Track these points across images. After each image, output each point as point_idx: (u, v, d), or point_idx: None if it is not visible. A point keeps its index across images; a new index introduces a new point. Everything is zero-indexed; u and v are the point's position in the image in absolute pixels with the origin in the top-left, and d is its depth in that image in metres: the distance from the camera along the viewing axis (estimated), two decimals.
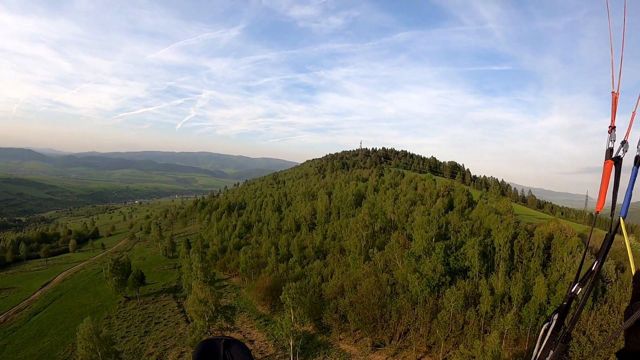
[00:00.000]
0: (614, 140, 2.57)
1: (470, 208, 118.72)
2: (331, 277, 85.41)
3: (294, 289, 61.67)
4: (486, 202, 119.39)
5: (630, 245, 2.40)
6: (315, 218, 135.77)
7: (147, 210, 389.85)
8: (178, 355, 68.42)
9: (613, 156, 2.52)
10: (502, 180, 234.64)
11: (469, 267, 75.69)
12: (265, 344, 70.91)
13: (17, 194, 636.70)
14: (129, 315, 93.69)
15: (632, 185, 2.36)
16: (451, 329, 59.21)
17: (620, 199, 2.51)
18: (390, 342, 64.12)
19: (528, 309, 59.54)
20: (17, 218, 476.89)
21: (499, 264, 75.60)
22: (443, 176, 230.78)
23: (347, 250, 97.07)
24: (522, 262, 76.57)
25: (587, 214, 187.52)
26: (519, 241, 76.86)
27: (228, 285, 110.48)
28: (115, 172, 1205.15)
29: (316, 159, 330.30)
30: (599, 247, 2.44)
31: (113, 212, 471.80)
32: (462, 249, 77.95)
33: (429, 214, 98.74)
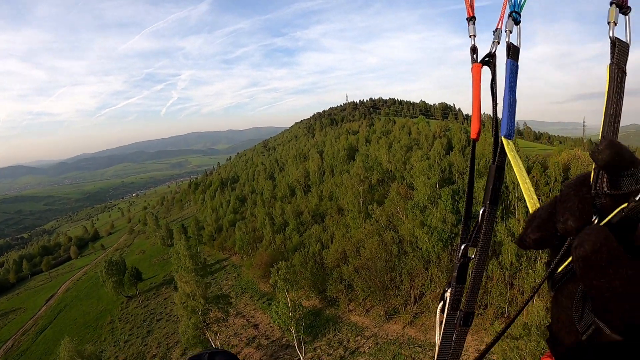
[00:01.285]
0: (475, 35, 1.83)
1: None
2: (331, 242, 77.88)
3: (284, 268, 53.33)
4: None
5: (521, 169, 1.30)
6: (309, 180, 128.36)
7: (145, 202, 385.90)
8: (181, 353, 64.05)
9: (479, 59, 1.76)
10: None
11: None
12: (271, 326, 65.08)
13: (15, 212, 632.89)
14: (131, 315, 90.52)
15: (510, 89, 1.53)
16: None
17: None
18: (405, 309, 57.32)
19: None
20: (18, 236, 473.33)
21: (515, 205, 66.45)
22: (435, 118, 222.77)
23: (345, 209, 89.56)
24: (540, 199, 68.71)
25: (585, 141, 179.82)
26: (534, 176, 67.66)
27: (228, 265, 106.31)
28: (109, 170, 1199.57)
29: (304, 119, 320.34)
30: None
31: (112, 209, 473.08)
32: None
33: (428, 158, 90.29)
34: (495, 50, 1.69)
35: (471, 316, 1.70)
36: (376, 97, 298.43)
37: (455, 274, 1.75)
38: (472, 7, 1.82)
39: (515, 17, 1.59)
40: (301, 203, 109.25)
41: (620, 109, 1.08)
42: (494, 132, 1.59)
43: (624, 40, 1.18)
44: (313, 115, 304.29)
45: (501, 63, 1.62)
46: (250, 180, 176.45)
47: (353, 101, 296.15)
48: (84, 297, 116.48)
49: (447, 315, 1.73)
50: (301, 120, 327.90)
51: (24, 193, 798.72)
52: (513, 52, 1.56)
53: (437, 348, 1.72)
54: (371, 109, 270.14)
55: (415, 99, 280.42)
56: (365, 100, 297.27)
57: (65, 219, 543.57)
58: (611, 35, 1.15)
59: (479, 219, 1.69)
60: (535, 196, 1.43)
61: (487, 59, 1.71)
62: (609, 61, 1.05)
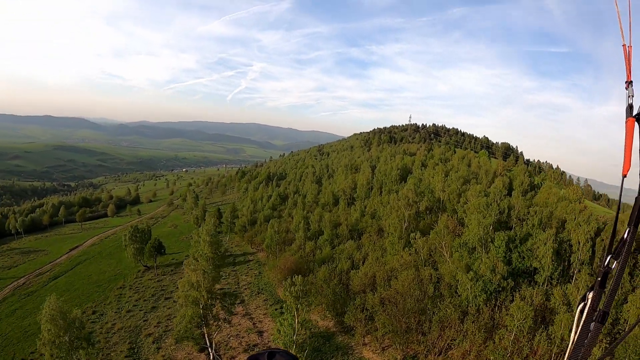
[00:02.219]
0: (632, 96, 2.40)
1: (533, 192, 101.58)
2: (363, 263, 71.55)
3: (299, 283, 45.79)
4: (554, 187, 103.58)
5: None
6: (355, 192, 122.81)
7: (192, 179, 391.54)
8: (174, 342, 58.96)
9: (634, 114, 2.31)
10: (557, 166, 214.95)
11: (536, 268, 59.03)
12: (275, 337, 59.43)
13: (68, 160, 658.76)
14: (143, 286, 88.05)
15: None
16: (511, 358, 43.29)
17: None
18: (425, 358, 49.66)
19: (625, 345, 39.54)
20: (66, 183, 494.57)
21: (576, 269, 58.65)
22: (495, 157, 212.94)
23: (385, 231, 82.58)
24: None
25: None
26: (603, 239, 59.61)
27: (253, 261, 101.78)
28: (166, 141, 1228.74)
29: (364, 132, 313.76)
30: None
31: (159, 179, 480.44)
32: (528, 242, 61.74)
33: (486, 195, 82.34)
34: None
35: (607, 315, 2.09)
36: (439, 124, 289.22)
37: (599, 279, 2.17)
38: (630, 72, 2.34)
39: None
40: (342, 214, 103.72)
41: None
42: None
43: None
44: (373, 130, 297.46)
45: None
46: (297, 181, 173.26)
47: (415, 123, 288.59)
48: (106, 255, 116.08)
49: (586, 314, 2.13)
50: (360, 132, 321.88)
51: (80, 145, 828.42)
52: None
53: (571, 343, 2.11)
54: (432, 134, 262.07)
55: (478, 134, 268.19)
56: (427, 125, 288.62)
57: (114, 177, 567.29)
58: None
59: (625, 236, 2.13)
60: None
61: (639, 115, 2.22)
62: None
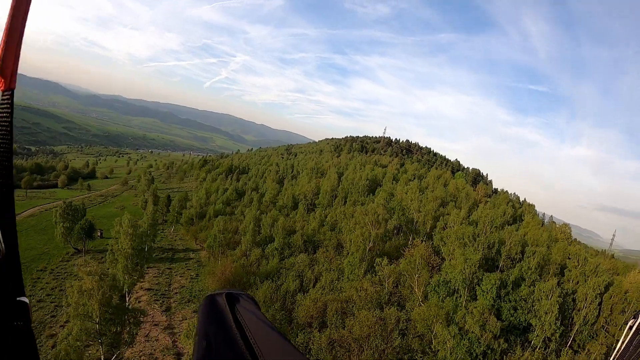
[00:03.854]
0: None
1: (517, 224, 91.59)
2: (314, 284, 60.66)
3: None
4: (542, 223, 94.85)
5: None
6: (317, 199, 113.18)
7: (155, 160, 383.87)
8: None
9: None
10: (525, 199, 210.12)
11: (531, 325, 48.10)
12: None
13: (33, 123, 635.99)
14: (65, 272, 76.54)
15: None
16: None
17: None
18: None
19: None
20: (27, 147, 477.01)
21: (579, 330, 48.64)
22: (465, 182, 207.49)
23: (345, 248, 72.24)
24: (607, 332, 48.91)
25: (610, 254, 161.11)
26: (612, 296, 49.61)
27: (193, 259, 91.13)
28: (136, 119, 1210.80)
29: (335, 138, 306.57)
30: None
31: (122, 156, 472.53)
32: (522, 290, 51.01)
33: (475, 225, 72.84)
34: None
35: None
36: (413, 141, 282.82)
37: None
38: None
39: None
40: (299, 220, 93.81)
41: None
42: None
43: None
44: (345, 137, 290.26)
45: None
46: (258, 178, 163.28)
47: (389, 137, 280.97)
48: (40, 230, 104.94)
49: (635, 329, 1.92)
50: (332, 138, 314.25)
51: (48, 109, 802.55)
52: None
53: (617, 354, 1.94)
54: (405, 150, 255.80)
55: (449, 157, 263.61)
56: (401, 140, 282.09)
57: (76, 148, 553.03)
58: None
59: None
60: None
61: None
62: None
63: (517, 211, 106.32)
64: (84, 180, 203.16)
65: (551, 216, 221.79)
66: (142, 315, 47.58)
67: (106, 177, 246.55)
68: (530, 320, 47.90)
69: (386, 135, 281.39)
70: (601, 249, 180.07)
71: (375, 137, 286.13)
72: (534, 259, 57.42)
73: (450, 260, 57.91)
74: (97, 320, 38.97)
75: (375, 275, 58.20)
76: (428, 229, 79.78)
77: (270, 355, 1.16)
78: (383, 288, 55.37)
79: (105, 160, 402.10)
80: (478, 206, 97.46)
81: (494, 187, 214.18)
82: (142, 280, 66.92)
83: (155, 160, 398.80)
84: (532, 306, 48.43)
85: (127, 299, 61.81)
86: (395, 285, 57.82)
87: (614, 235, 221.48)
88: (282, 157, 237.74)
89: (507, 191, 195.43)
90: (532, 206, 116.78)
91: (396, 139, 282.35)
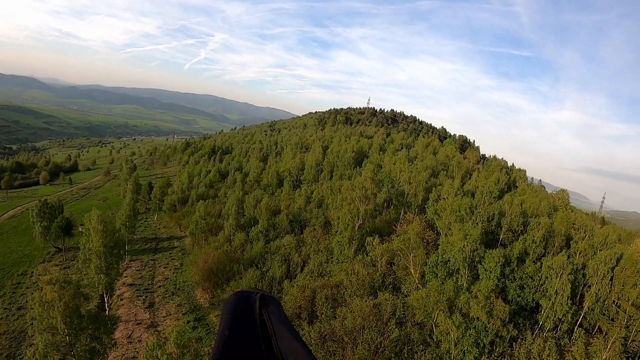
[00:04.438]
0: None
1: (512, 192, 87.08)
2: (302, 269, 56.62)
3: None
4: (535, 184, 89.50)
5: None
6: (302, 174, 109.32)
7: (138, 147, 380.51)
8: None
9: None
10: (513, 164, 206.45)
11: (540, 305, 43.68)
12: None
13: (12, 121, 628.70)
14: (47, 274, 71.34)
15: None
16: None
17: None
18: None
19: None
20: (7, 146, 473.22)
21: (590, 307, 44.05)
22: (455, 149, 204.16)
23: (333, 226, 68.52)
24: (618, 307, 43.93)
25: (600, 217, 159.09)
26: (623, 269, 44.11)
27: (178, 248, 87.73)
28: (118, 107, 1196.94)
29: (319, 111, 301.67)
30: None
31: (105, 146, 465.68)
32: (527, 267, 46.20)
33: (471, 195, 67.43)
34: None
35: None
36: (398, 111, 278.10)
37: None
38: None
39: None
40: (284, 199, 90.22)
41: None
42: None
43: None
44: (329, 110, 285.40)
45: None
46: (241, 157, 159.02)
47: (373, 107, 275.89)
48: (21, 231, 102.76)
49: None
50: (316, 112, 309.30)
51: (27, 105, 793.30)
52: None
53: None
54: (390, 119, 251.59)
55: (434, 125, 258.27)
56: (385, 110, 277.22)
57: (58, 142, 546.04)
58: None
59: None
60: None
61: None
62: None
63: (511, 178, 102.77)
64: (65, 175, 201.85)
65: (540, 180, 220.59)
66: (114, 323, 44.25)
67: (89, 169, 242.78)
68: (540, 301, 43.40)
69: (370, 106, 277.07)
70: (591, 212, 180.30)
71: (360, 108, 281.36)
72: (538, 230, 52.04)
73: (446, 235, 53.44)
74: (65, 332, 35.33)
75: (367, 255, 53.91)
76: (420, 201, 74.45)
77: None
78: (376, 270, 51.17)
79: (88, 152, 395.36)
80: (471, 175, 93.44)
81: (481, 153, 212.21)
82: (119, 278, 63.45)
83: (139, 147, 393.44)
84: (541, 284, 44.13)
85: (106, 299, 58.33)
86: (389, 264, 53.57)
87: (603, 198, 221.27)
88: (266, 134, 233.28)
89: (497, 157, 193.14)
90: (523, 171, 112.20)
91: (380, 109, 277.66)
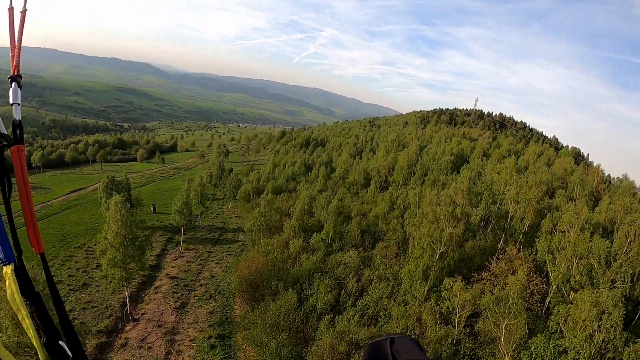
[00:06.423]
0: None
1: None
2: (356, 301, 42.94)
3: None
4: None
5: None
6: (392, 175, 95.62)
7: (241, 134, 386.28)
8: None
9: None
10: None
11: None
12: None
13: (126, 102, 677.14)
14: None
15: None
16: None
17: None
18: None
19: None
20: (120, 124, 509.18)
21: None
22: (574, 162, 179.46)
23: (410, 248, 50.53)
24: None
25: None
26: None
27: (239, 242, 79.93)
28: (227, 95, 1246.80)
29: (423, 110, 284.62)
30: None
31: (210, 130, 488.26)
32: None
33: (607, 233, 47.62)
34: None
35: None
36: (507, 115, 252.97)
37: None
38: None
39: None
40: (367, 201, 78.56)
41: None
42: None
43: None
44: (433, 110, 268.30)
45: None
46: (334, 150, 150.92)
47: (481, 110, 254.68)
48: (98, 203, 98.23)
49: None
50: (420, 110, 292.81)
51: (141, 88, 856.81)
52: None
53: None
54: (498, 124, 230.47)
55: (546, 133, 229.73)
56: (493, 114, 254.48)
57: (167, 124, 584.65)
58: None
59: None
60: None
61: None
62: None
63: None
64: (161, 154, 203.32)
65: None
66: None
67: (187, 150, 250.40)
68: None
69: (478, 107, 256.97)
70: None
71: (466, 110, 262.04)
72: None
73: (563, 296, 35.93)
74: None
75: (442, 300, 36.41)
76: (527, 228, 53.48)
77: None
78: (449, 329, 35.02)
79: (193, 134, 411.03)
80: (596, 199, 70.58)
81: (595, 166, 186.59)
82: (140, 272, 56.40)
83: (241, 133, 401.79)
84: None
85: (126, 300, 49.38)
86: (470, 320, 37.43)
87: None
88: (364, 130, 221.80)
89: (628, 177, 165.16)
90: None
91: (489, 112, 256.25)
